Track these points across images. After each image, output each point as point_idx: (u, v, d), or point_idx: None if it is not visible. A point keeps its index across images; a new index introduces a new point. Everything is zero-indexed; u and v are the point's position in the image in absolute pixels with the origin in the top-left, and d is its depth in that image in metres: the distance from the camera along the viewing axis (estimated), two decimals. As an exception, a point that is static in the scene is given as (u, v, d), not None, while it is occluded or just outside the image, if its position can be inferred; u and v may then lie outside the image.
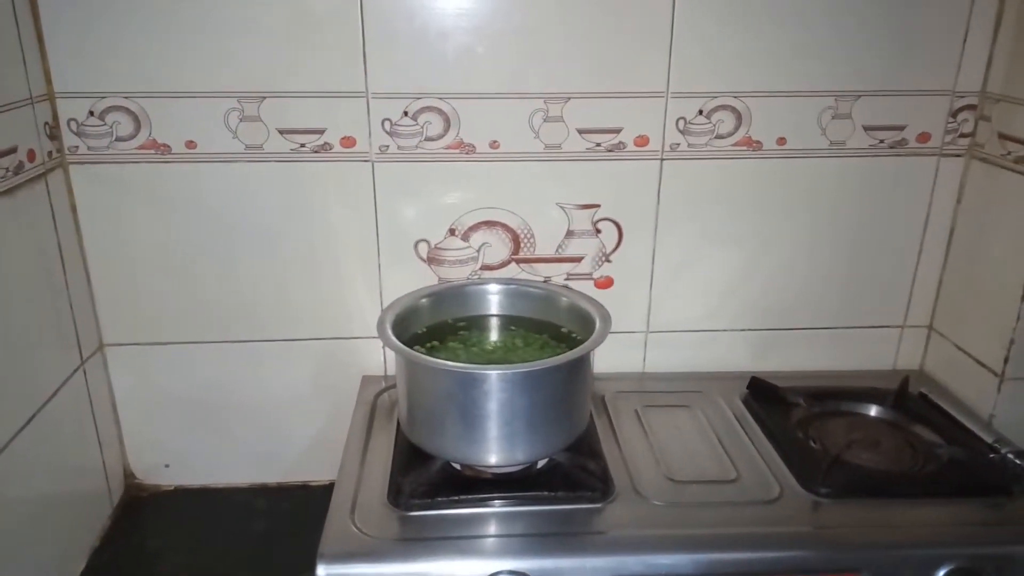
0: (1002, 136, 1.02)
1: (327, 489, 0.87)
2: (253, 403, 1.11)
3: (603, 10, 0.97)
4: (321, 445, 1.13)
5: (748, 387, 1.08)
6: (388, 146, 1.01)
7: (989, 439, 0.96)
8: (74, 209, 1.00)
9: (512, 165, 1.03)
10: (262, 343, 1.09)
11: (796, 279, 1.12)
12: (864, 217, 1.10)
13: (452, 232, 1.07)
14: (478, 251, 1.08)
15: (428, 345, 0.94)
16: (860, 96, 1.04)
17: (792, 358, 1.16)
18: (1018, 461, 0.90)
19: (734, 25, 0.99)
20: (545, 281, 1.09)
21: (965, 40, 1.02)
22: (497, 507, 0.84)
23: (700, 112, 1.03)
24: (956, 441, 0.95)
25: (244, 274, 1.05)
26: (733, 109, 1.03)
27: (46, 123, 0.94)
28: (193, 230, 1.03)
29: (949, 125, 1.06)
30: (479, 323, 1.01)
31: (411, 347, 0.87)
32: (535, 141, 1.02)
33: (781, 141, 1.05)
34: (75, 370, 0.99)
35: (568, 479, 0.87)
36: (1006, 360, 1.00)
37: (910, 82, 1.04)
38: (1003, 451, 0.93)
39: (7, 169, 0.85)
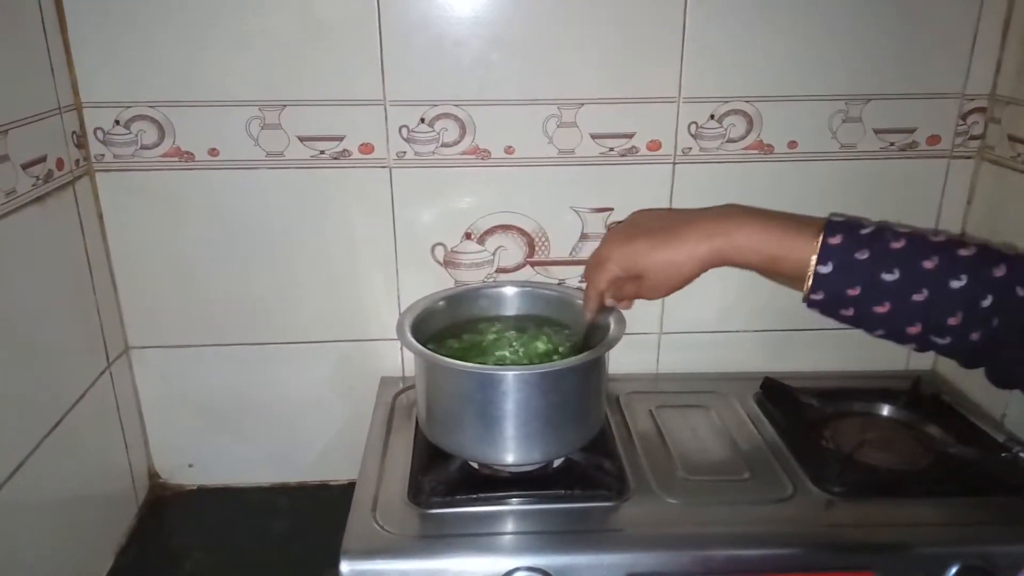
0: (1012, 138, 1.02)
1: (347, 488, 0.89)
2: (274, 404, 1.14)
3: (615, 17, 0.99)
4: (340, 445, 1.15)
5: (761, 387, 1.09)
6: (405, 152, 1.03)
7: (1000, 439, 0.97)
8: (100, 216, 1.02)
9: (527, 170, 1.05)
10: (283, 345, 1.11)
11: (808, 280, 1.13)
12: (875, 219, 1.10)
13: (468, 236, 1.08)
14: (493, 254, 1.10)
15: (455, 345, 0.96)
16: (870, 99, 1.05)
17: (805, 359, 1.17)
18: (1029, 460, 0.91)
19: (744, 30, 1.00)
20: (560, 283, 1.10)
21: (974, 43, 1.03)
22: (515, 505, 0.86)
23: (712, 116, 1.04)
24: (968, 441, 0.96)
25: (265, 278, 1.07)
26: (744, 113, 1.04)
27: (74, 132, 0.96)
28: (215, 235, 1.05)
29: (959, 127, 1.07)
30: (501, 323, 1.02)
31: (429, 348, 0.89)
32: (549, 146, 1.04)
33: (792, 144, 1.06)
34: (102, 373, 1.02)
35: (584, 478, 0.89)
36: (1017, 360, 1.00)
37: (920, 85, 1.05)
38: (1014, 450, 0.93)
39: (37, 177, 0.88)
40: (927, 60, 1.04)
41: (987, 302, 0.64)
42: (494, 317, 1.03)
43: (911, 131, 1.07)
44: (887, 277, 0.66)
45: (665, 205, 1.08)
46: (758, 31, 1.01)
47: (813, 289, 0.69)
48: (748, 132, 1.05)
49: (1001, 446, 0.95)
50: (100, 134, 0.99)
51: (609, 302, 0.85)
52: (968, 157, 1.09)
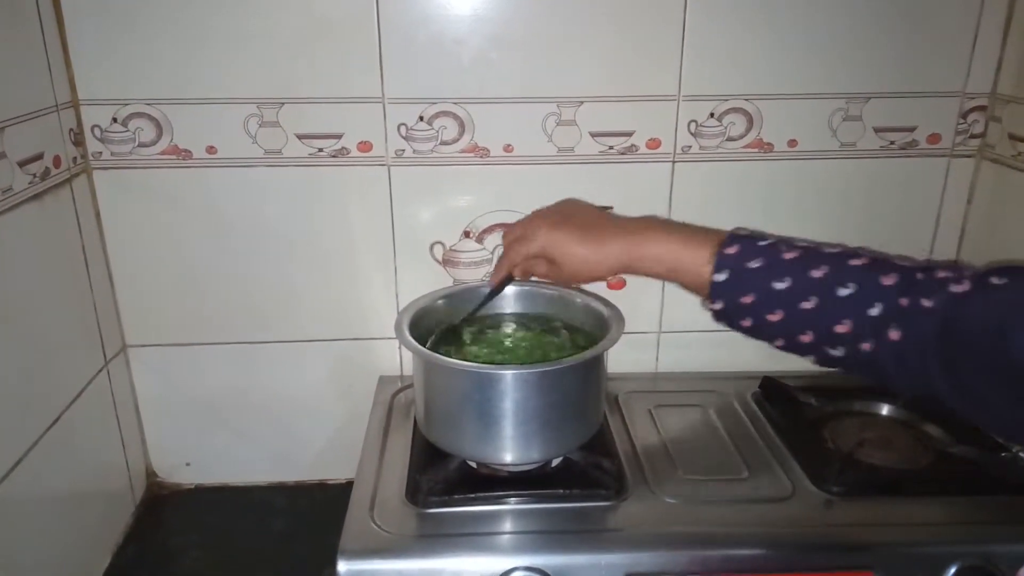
0: (1012, 137, 1.02)
1: (345, 488, 0.89)
2: (272, 403, 1.13)
3: (615, 15, 0.99)
4: (338, 444, 1.14)
5: (760, 387, 1.09)
6: (404, 150, 1.02)
7: (1000, 438, 0.97)
8: (98, 214, 1.02)
9: (526, 168, 1.05)
10: (280, 344, 1.11)
11: (808, 279, 1.13)
12: (875, 218, 1.10)
13: (467, 234, 1.08)
14: (492, 253, 1.09)
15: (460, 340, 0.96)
16: (870, 98, 1.04)
17: (804, 358, 1.16)
18: (1029, 460, 0.91)
19: (745, 28, 1.00)
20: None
21: (975, 41, 1.03)
22: (513, 505, 0.85)
23: (711, 115, 1.04)
24: (968, 440, 0.96)
25: (263, 276, 1.07)
26: (744, 111, 1.04)
27: (71, 130, 0.96)
28: (213, 233, 1.05)
29: (959, 126, 1.07)
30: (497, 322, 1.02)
31: (428, 348, 0.88)
32: (548, 144, 1.04)
33: (792, 143, 1.06)
34: (99, 371, 1.01)
35: (583, 477, 0.88)
36: (1017, 359, 1.00)
37: (920, 83, 1.05)
38: (1014, 450, 0.93)
39: (34, 175, 0.87)
40: (928, 58, 1.03)
41: (875, 311, 0.64)
42: (494, 315, 1.02)
43: (911, 130, 1.07)
44: (778, 285, 0.68)
45: (665, 204, 1.08)
46: (758, 29, 1.00)
47: (712, 298, 0.72)
48: (748, 130, 1.05)
49: (1001, 446, 0.95)
50: (98, 131, 0.99)
51: (517, 274, 0.91)
52: (968, 156, 1.09)
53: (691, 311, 1.13)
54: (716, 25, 0.99)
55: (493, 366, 0.87)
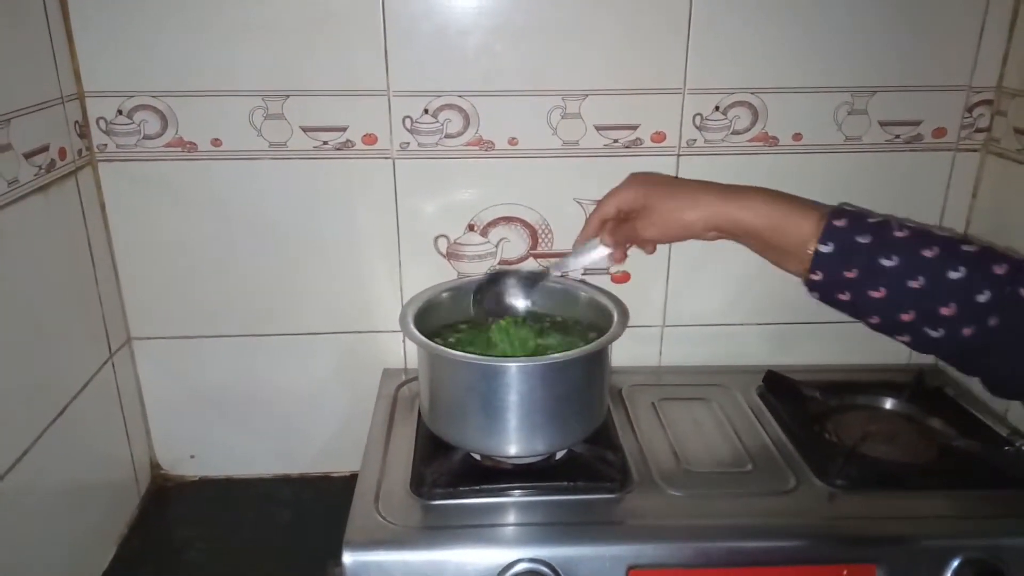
0: (1018, 131, 1.02)
1: (348, 480, 0.89)
2: (276, 396, 1.13)
3: (621, 7, 0.98)
4: (343, 437, 1.15)
5: (764, 380, 1.09)
6: (409, 143, 1.02)
7: (1004, 432, 0.97)
8: (103, 206, 1.02)
9: (530, 161, 1.05)
10: (285, 337, 1.11)
11: (812, 274, 1.13)
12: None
13: (471, 228, 1.08)
14: (497, 246, 1.09)
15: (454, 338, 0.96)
16: (876, 92, 1.04)
17: (808, 352, 1.17)
18: (1033, 454, 0.91)
19: (751, 21, 1.00)
20: (563, 276, 1.10)
21: (981, 35, 1.03)
22: (517, 497, 0.86)
23: (717, 108, 1.04)
24: (971, 434, 0.96)
25: (268, 269, 1.07)
26: (749, 105, 1.04)
27: (76, 122, 0.96)
28: (218, 226, 1.05)
29: (965, 120, 1.07)
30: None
31: (433, 340, 0.88)
32: (553, 137, 1.04)
33: (797, 137, 1.06)
34: (104, 363, 1.02)
35: (587, 470, 0.88)
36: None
37: (926, 77, 1.04)
38: (1018, 444, 0.93)
39: (39, 167, 0.87)
40: (933, 52, 1.03)
41: (983, 297, 0.65)
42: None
43: (917, 124, 1.06)
44: (885, 263, 0.68)
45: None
46: (764, 22, 1.00)
47: (812, 268, 0.71)
48: (753, 124, 1.05)
49: (1004, 440, 0.95)
50: (103, 124, 0.99)
51: (605, 239, 0.85)
52: (974, 150, 1.08)
53: (695, 304, 1.14)
54: (722, 18, 0.99)
55: (498, 358, 0.87)
